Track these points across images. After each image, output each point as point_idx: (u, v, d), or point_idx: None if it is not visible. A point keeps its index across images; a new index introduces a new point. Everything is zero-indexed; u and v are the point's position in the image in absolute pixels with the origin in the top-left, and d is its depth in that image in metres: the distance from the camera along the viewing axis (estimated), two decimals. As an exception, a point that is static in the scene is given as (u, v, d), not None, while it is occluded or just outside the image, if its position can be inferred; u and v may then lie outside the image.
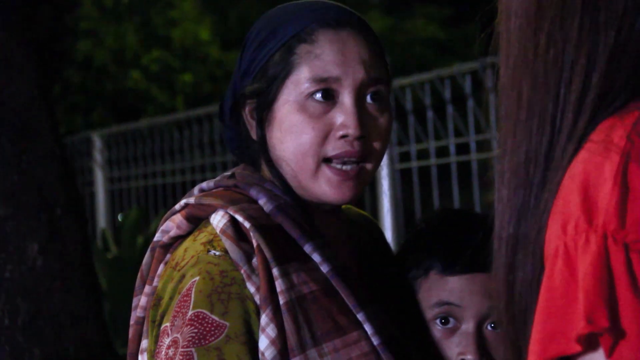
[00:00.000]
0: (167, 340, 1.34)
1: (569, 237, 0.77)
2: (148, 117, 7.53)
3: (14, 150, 2.59)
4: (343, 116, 1.38)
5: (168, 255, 1.45)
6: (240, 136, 1.50)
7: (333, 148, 1.39)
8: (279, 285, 1.34)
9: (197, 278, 1.34)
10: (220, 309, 1.32)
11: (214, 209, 1.42)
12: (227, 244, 1.36)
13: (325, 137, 1.39)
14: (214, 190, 1.48)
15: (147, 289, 1.47)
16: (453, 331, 1.49)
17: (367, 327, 1.37)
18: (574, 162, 0.80)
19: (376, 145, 1.42)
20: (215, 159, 5.46)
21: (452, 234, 1.53)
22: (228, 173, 1.52)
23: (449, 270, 1.49)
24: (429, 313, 1.50)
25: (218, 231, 1.38)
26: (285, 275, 1.35)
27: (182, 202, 1.48)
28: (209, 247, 1.38)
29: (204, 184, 1.51)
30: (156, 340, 1.39)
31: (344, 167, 1.40)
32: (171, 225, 1.47)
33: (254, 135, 1.46)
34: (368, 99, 1.42)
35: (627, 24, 0.81)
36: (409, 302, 1.54)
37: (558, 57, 0.83)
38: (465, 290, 1.48)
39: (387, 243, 1.67)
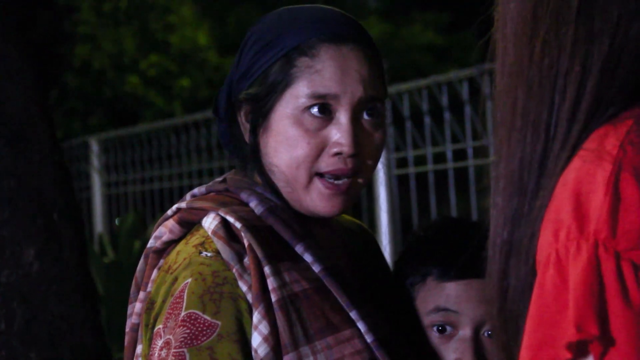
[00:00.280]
0: (159, 342, 1.35)
1: (560, 245, 0.78)
2: (145, 122, 7.54)
3: (11, 155, 2.59)
4: (338, 134, 1.39)
5: (161, 261, 1.46)
6: (234, 135, 1.51)
7: (327, 164, 1.40)
8: (270, 283, 1.34)
9: (189, 280, 1.35)
10: (212, 308, 1.33)
11: (205, 213, 1.43)
12: (219, 244, 1.37)
13: (319, 153, 1.40)
14: (205, 195, 1.49)
15: (141, 295, 1.48)
16: (450, 337, 1.50)
17: (361, 325, 1.37)
18: (567, 169, 0.81)
19: (369, 161, 1.43)
20: (213, 164, 5.46)
21: (449, 240, 1.54)
22: (219, 179, 1.53)
23: (445, 276, 1.50)
24: (426, 319, 1.51)
25: (210, 233, 1.39)
26: (276, 273, 1.35)
27: (174, 207, 1.49)
28: (200, 248, 1.39)
29: (196, 190, 1.52)
30: (150, 344, 1.39)
31: (336, 182, 1.41)
32: (164, 230, 1.47)
33: (247, 139, 1.47)
34: (364, 115, 1.42)
35: (621, 32, 0.82)
36: (405, 309, 1.54)
37: (553, 65, 0.83)
38: (462, 296, 1.49)
39: (381, 252, 1.68)
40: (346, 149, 1.38)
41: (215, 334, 1.32)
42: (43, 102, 2.71)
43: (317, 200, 1.41)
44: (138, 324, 1.47)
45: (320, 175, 1.41)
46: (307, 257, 1.39)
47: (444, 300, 1.50)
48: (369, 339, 1.37)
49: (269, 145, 1.43)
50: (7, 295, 2.55)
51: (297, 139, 1.40)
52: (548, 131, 0.83)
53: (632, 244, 0.76)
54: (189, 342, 1.31)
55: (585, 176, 0.79)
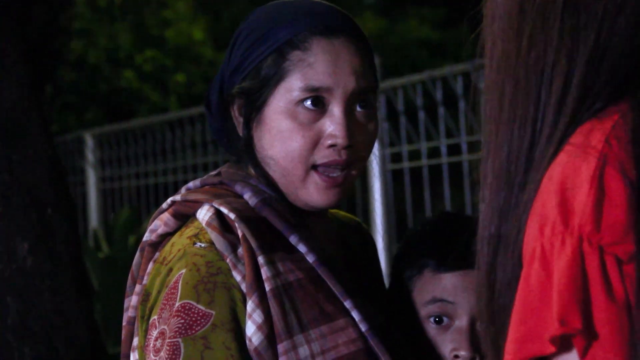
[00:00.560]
0: (155, 333, 1.36)
1: (545, 239, 0.78)
2: (141, 117, 7.53)
3: (4, 150, 2.59)
4: (332, 126, 1.40)
5: (157, 254, 1.46)
6: (227, 129, 1.52)
7: (322, 157, 1.41)
8: (264, 272, 1.35)
9: (183, 270, 1.36)
10: (206, 298, 1.34)
11: (199, 205, 1.44)
12: (213, 235, 1.38)
13: (314, 145, 1.41)
14: (200, 188, 1.50)
15: (137, 288, 1.48)
16: (446, 328, 1.51)
17: (355, 314, 1.38)
18: (553, 164, 0.81)
19: (362, 152, 1.44)
20: (208, 159, 5.46)
21: (446, 233, 1.55)
22: (214, 172, 1.54)
23: (441, 268, 1.51)
24: (423, 311, 1.52)
25: (204, 224, 1.40)
26: (270, 263, 1.36)
27: (169, 200, 1.50)
28: (194, 239, 1.40)
29: (191, 184, 1.53)
30: (145, 335, 1.40)
31: (332, 175, 1.42)
32: (159, 223, 1.48)
33: (240, 133, 1.48)
34: (357, 106, 1.44)
35: (607, 26, 0.82)
36: (400, 302, 1.55)
37: (539, 59, 0.84)
38: (458, 287, 1.50)
39: (375, 247, 1.69)
40: (340, 140, 1.40)
41: (209, 324, 1.32)
42: (37, 97, 2.71)
43: (313, 192, 1.42)
44: (134, 317, 1.47)
45: (316, 167, 1.42)
46: (301, 248, 1.40)
47: (440, 291, 1.51)
48: (363, 327, 1.38)
49: (264, 139, 1.44)
50: (1, 290, 2.55)
51: (292, 132, 1.41)
52: (535, 125, 0.84)
53: (615, 238, 0.76)
54: (183, 332, 1.32)
55: (570, 171, 0.79)
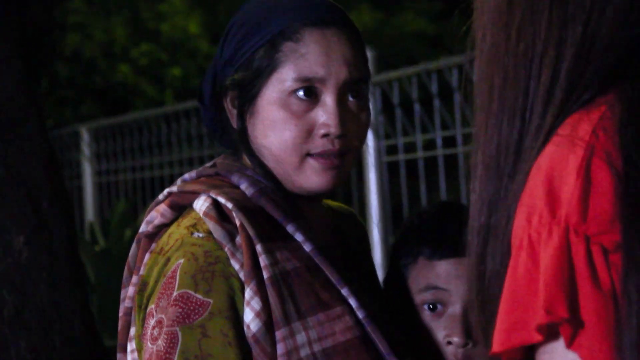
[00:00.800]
0: (152, 321, 1.37)
1: (533, 229, 0.79)
2: (136, 111, 7.52)
3: (0, 144, 2.59)
4: (325, 115, 1.42)
5: (153, 245, 1.47)
6: (220, 121, 1.54)
7: (315, 146, 1.43)
8: (262, 260, 1.36)
9: (181, 260, 1.37)
10: (204, 287, 1.35)
11: (196, 196, 1.46)
12: (211, 225, 1.39)
13: (307, 135, 1.43)
14: (196, 179, 1.52)
15: (134, 279, 1.49)
16: (440, 315, 1.52)
17: (352, 301, 1.40)
18: (541, 154, 0.82)
19: (355, 141, 1.46)
20: (204, 152, 5.46)
21: (441, 222, 1.57)
22: (209, 164, 1.55)
23: (435, 255, 1.53)
24: (418, 298, 1.54)
25: (201, 214, 1.41)
26: (268, 251, 1.37)
27: (165, 191, 1.52)
28: (192, 229, 1.41)
29: (186, 175, 1.54)
30: (143, 324, 1.41)
31: (327, 158, 1.43)
32: (155, 214, 1.49)
33: (234, 124, 1.50)
34: (349, 96, 1.46)
35: (595, 17, 0.83)
36: (397, 290, 1.57)
37: (528, 50, 0.84)
38: (452, 275, 1.52)
39: (368, 237, 1.71)
40: (333, 129, 1.41)
41: (207, 312, 1.33)
42: (32, 91, 2.71)
43: (311, 175, 1.44)
44: (131, 308, 1.48)
45: (310, 155, 1.44)
46: (298, 237, 1.42)
47: (434, 279, 1.52)
48: (360, 314, 1.39)
49: (257, 129, 1.46)
50: None
51: (285, 122, 1.43)
52: (524, 116, 0.84)
53: (602, 228, 0.77)
54: (181, 320, 1.33)
55: (558, 161, 0.80)
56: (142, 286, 1.44)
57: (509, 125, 0.85)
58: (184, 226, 1.42)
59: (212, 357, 1.31)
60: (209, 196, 1.43)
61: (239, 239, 1.38)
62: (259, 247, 1.37)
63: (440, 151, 4.01)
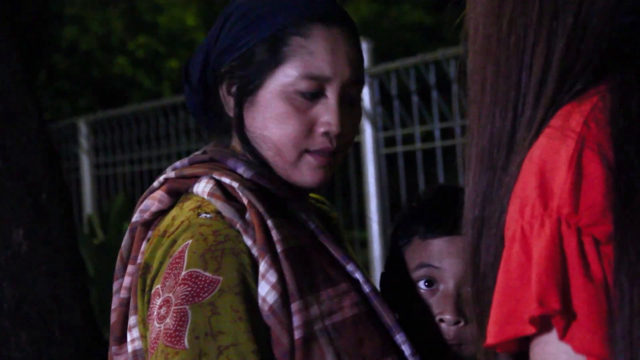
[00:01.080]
0: (158, 301, 1.36)
1: (525, 221, 0.79)
2: (134, 103, 7.52)
3: None
4: (327, 114, 1.45)
5: (150, 232, 1.47)
6: (210, 105, 1.54)
7: (314, 143, 1.45)
8: (274, 235, 1.38)
9: (189, 241, 1.37)
10: (213, 265, 1.34)
11: (194, 181, 1.46)
12: (218, 204, 1.40)
13: (308, 131, 1.45)
14: (190, 165, 1.52)
15: (130, 269, 1.48)
16: (434, 293, 1.54)
17: (358, 275, 1.43)
18: (533, 146, 0.82)
19: (347, 139, 1.50)
20: (201, 145, 5.44)
21: (436, 203, 1.59)
22: (199, 152, 1.56)
23: (429, 234, 1.55)
24: (413, 276, 1.56)
25: (205, 196, 1.42)
26: (279, 227, 1.39)
27: (161, 178, 1.51)
28: (198, 211, 1.41)
29: (178, 163, 1.54)
30: (148, 306, 1.40)
31: (323, 156, 1.47)
32: (151, 202, 1.49)
33: (230, 112, 1.50)
34: (347, 96, 1.48)
35: (585, 7, 0.83)
36: (396, 270, 1.60)
37: (519, 42, 0.85)
38: (444, 252, 1.54)
39: (340, 223, 1.74)
40: (334, 128, 1.44)
41: (216, 290, 1.33)
42: (31, 83, 2.71)
43: (306, 172, 1.46)
44: (127, 298, 1.47)
45: (308, 151, 1.46)
46: (302, 215, 1.44)
47: (427, 256, 1.54)
48: (366, 289, 1.43)
49: (257, 119, 1.47)
50: None
51: (288, 116, 1.44)
52: (516, 108, 0.85)
53: (593, 219, 0.77)
54: (190, 299, 1.32)
55: (549, 153, 0.80)
56: (144, 270, 1.43)
57: (502, 118, 0.85)
58: (188, 209, 1.42)
59: (222, 334, 1.30)
60: (212, 178, 1.44)
61: (248, 216, 1.39)
62: (270, 223, 1.38)
63: (438, 143, 4.01)
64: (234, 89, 1.49)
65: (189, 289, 1.33)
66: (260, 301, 1.34)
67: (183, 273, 1.34)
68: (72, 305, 2.67)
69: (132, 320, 1.45)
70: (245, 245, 1.37)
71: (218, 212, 1.39)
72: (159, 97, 8.43)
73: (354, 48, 1.48)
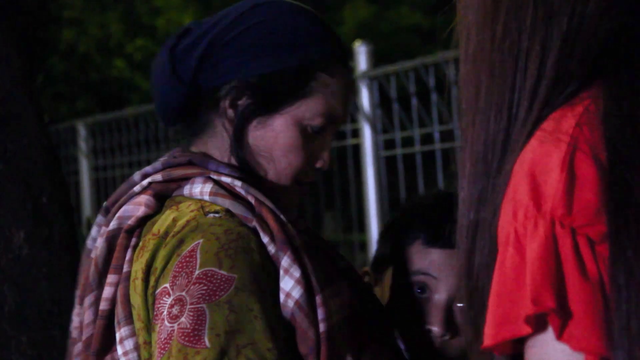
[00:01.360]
0: (168, 300, 1.34)
1: (519, 223, 0.80)
2: (132, 106, 7.52)
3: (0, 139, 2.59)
4: (325, 150, 1.51)
5: (133, 240, 1.43)
6: (197, 107, 1.50)
7: (307, 177, 1.51)
8: (290, 230, 1.39)
9: (200, 240, 1.35)
10: (228, 263, 1.33)
11: (181, 183, 1.45)
12: (227, 202, 1.39)
13: (308, 164, 1.50)
14: (173, 168, 1.48)
15: (111, 278, 1.44)
16: (426, 300, 1.55)
17: (351, 274, 1.47)
18: (525, 150, 0.83)
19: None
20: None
21: (441, 210, 1.59)
22: (166, 156, 1.53)
23: (431, 243, 1.57)
24: (408, 279, 1.57)
25: (207, 197, 1.41)
26: (290, 222, 1.40)
27: (144, 183, 1.48)
28: (205, 210, 1.39)
29: (149, 168, 1.51)
30: (153, 307, 1.37)
31: (306, 187, 1.54)
32: (134, 207, 1.46)
33: (227, 124, 1.48)
34: None
35: (578, 10, 0.84)
36: (387, 266, 1.62)
37: (513, 46, 0.85)
38: (444, 264, 1.55)
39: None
40: (327, 165, 1.52)
41: (232, 288, 1.32)
42: (30, 86, 2.72)
43: (291, 197, 1.51)
44: (108, 310, 1.43)
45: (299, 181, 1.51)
46: (290, 216, 1.44)
47: (427, 265, 1.56)
48: (358, 286, 1.46)
49: (265, 140, 1.47)
50: None
51: (297, 147, 1.47)
52: (510, 111, 0.85)
53: (587, 220, 0.78)
54: (207, 298, 1.31)
55: (541, 156, 0.80)
56: (145, 272, 1.39)
57: (496, 121, 0.86)
58: (188, 210, 1.40)
59: (239, 333, 1.30)
60: (209, 178, 1.43)
61: (259, 212, 1.39)
62: (282, 217, 1.39)
63: (438, 145, 4.02)
64: (242, 102, 1.47)
65: (205, 287, 1.31)
66: (283, 297, 1.35)
67: (197, 272, 1.33)
68: (73, 308, 2.67)
69: (124, 331, 1.41)
70: (256, 243, 1.36)
71: (227, 211, 1.38)
72: (157, 100, 8.41)
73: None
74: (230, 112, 1.48)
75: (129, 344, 1.40)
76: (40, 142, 2.68)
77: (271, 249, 1.36)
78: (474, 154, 0.88)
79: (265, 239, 1.37)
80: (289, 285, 1.34)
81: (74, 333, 1.57)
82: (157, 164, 1.50)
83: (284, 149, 1.47)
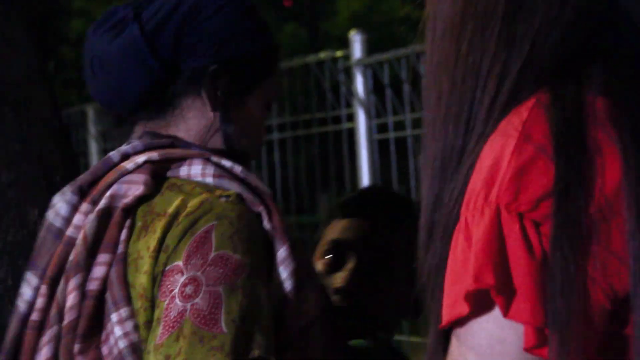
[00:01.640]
0: (181, 278, 1.31)
1: (469, 212, 0.82)
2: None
3: (16, 121, 2.64)
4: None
5: (128, 220, 1.39)
6: (162, 83, 1.45)
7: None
8: (284, 221, 1.41)
9: (215, 222, 1.33)
10: (241, 248, 1.32)
11: (177, 164, 1.42)
12: (234, 186, 1.38)
13: None
14: (165, 149, 1.44)
15: (104, 257, 1.38)
16: None
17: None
18: (482, 150, 0.87)
19: None
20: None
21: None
22: (136, 141, 1.47)
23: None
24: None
25: (210, 179, 1.39)
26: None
27: (139, 161, 1.42)
28: (217, 194, 1.37)
29: (128, 148, 1.46)
30: (160, 284, 1.33)
31: None
32: (128, 186, 1.41)
33: (210, 107, 1.45)
34: None
35: (541, 38, 0.88)
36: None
37: (476, 64, 0.87)
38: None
39: None
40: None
41: (246, 273, 1.31)
42: (43, 73, 2.82)
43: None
44: (99, 290, 1.37)
45: None
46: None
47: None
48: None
49: (240, 118, 1.48)
50: (13, 253, 2.62)
51: (263, 122, 1.53)
52: (468, 123, 0.89)
53: (532, 205, 0.81)
54: (223, 281, 1.30)
55: (495, 152, 0.85)
56: (155, 252, 1.34)
57: (454, 131, 0.88)
58: (197, 192, 1.37)
59: (249, 318, 1.30)
60: (208, 160, 1.41)
61: (264, 199, 1.39)
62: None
63: (428, 129, 4.12)
64: (224, 82, 1.46)
65: (221, 270, 1.30)
66: (277, 285, 1.35)
67: (212, 254, 1.31)
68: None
69: (123, 312, 1.35)
70: (262, 230, 1.36)
71: (237, 195, 1.37)
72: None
73: None
74: (213, 92, 1.45)
75: (129, 324, 1.35)
76: (53, 125, 2.75)
77: (271, 237, 1.36)
78: (432, 158, 0.89)
79: (267, 225, 1.36)
80: (284, 276, 1.35)
81: (35, 315, 1.42)
82: (138, 144, 1.44)
83: (258, 125, 1.50)
